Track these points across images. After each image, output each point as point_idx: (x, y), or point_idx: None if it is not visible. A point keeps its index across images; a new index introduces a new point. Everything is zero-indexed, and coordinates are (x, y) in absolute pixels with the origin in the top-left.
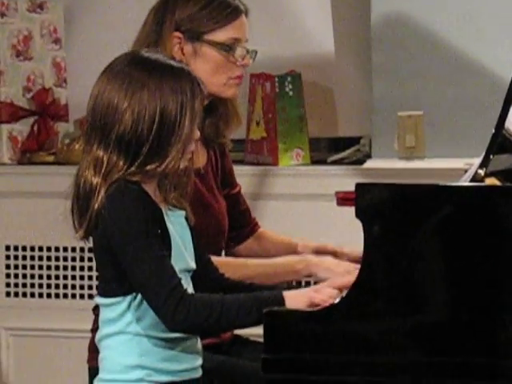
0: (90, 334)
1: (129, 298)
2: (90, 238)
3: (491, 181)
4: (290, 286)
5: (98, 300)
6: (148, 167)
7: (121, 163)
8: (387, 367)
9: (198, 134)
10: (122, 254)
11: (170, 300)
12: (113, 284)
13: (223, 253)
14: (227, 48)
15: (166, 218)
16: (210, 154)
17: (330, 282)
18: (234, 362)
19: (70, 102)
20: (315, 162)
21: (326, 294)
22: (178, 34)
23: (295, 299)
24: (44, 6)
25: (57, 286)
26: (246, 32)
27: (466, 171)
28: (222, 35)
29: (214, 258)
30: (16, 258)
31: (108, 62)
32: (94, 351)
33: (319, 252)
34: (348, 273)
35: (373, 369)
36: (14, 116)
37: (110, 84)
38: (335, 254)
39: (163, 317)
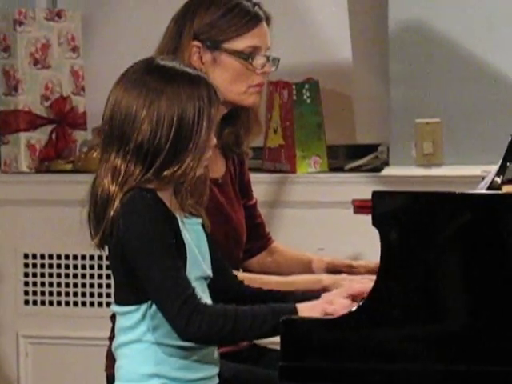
0: (107, 342)
1: (144, 306)
2: (106, 246)
3: (508, 188)
4: (305, 295)
5: (114, 308)
6: (164, 173)
7: (137, 171)
8: (404, 375)
9: (214, 141)
10: (136, 262)
11: (184, 310)
12: (128, 292)
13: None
14: (246, 56)
15: (181, 225)
16: (229, 164)
17: (342, 291)
18: (251, 370)
19: (88, 110)
20: (333, 169)
21: (338, 305)
22: (196, 42)
23: (308, 311)
24: (62, 14)
25: (75, 294)
26: (267, 40)
27: (483, 178)
28: (240, 43)
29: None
30: (34, 266)
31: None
32: (111, 359)
33: (335, 266)
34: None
35: (390, 377)
36: (32, 124)
37: (126, 93)
38: (351, 267)
39: (177, 327)
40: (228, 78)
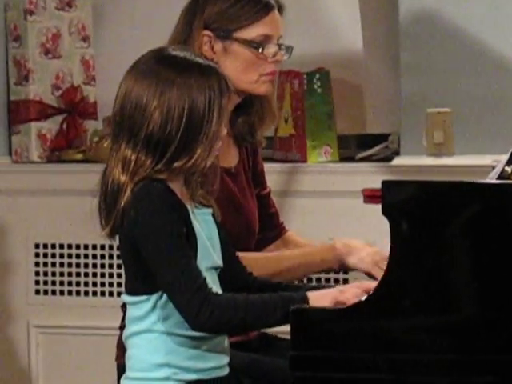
0: (118, 332)
1: (155, 296)
2: (116, 237)
3: None
4: (316, 286)
5: (125, 298)
6: (175, 164)
7: (148, 162)
8: (414, 365)
9: (225, 131)
10: (146, 252)
11: (195, 300)
12: (138, 282)
13: None
14: (256, 45)
15: (192, 216)
16: (242, 153)
17: (357, 285)
18: (262, 359)
19: (99, 100)
20: (343, 159)
21: (351, 293)
22: (207, 32)
23: (320, 299)
24: (72, 3)
25: (86, 284)
26: (279, 28)
27: (493, 168)
28: (251, 32)
29: (245, 254)
30: (45, 255)
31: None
32: (122, 348)
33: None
34: (377, 265)
35: (399, 367)
36: (43, 114)
37: (137, 83)
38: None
39: (187, 317)
40: (239, 67)
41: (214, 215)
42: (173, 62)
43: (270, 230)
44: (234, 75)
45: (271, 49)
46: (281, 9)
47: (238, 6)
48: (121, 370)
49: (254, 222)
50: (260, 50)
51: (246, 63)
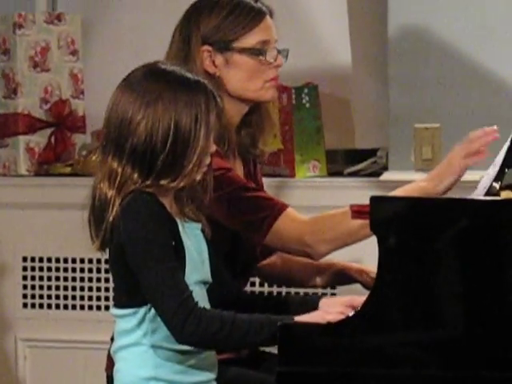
0: (106, 346)
1: (143, 309)
2: (107, 250)
3: (506, 194)
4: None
5: (113, 311)
6: (162, 181)
7: (135, 176)
8: (402, 381)
9: (213, 147)
10: (134, 264)
11: (180, 312)
12: (127, 295)
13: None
14: (258, 52)
15: (181, 229)
16: (246, 168)
17: (343, 301)
18: (250, 374)
19: (87, 114)
20: (332, 173)
21: (335, 314)
22: (206, 47)
23: (306, 322)
24: (62, 17)
25: (73, 298)
26: (274, 32)
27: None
28: (250, 40)
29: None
30: (33, 269)
31: (125, 74)
32: (112, 359)
33: (344, 269)
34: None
35: (388, 382)
36: (32, 127)
37: (124, 96)
38: (361, 273)
39: (172, 329)
40: (243, 77)
41: (203, 230)
42: (161, 77)
43: None
44: (240, 85)
45: (272, 52)
46: (271, 13)
47: (233, 17)
48: (111, 380)
49: None
50: (262, 56)
51: (250, 71)
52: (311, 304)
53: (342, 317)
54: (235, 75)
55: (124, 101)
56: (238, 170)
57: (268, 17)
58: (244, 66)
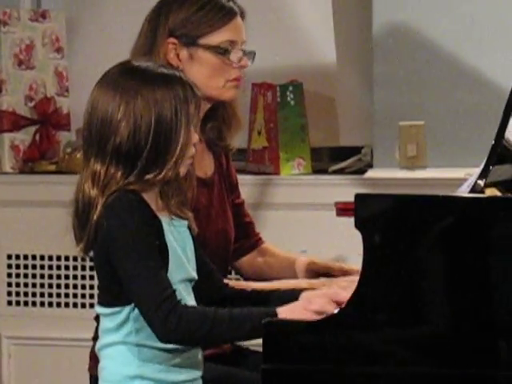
0: (91, 343)
1: (128, 308)
2: (91, 253)
3: (491, 191)
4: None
5: (98, 309)
6: (147, 176)
7: (119, 174)
8: (387, 378)
9: (196, 137)
10: (117, 263)
11: (161, 311)
12: (112, 294)
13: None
14: (222, 51)
15: (166, 227)
16: (217, 162)
17: (325, 294)
18: (235, 372)
19: (72, 111)
20: (316, 171)
21: (318, 304)
22: (172, 39)
23: (288, 313)
24: (46, 15)
25: (58, 295)
26: (243, 34)
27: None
28: (216, 38)
29: None
30: (18, 266)
31: None
32: (95, 359)
33: (327, 269)
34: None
35: (372, 380)
36: (16, 125)
37: (102, 96)
38: (344, 273)
39: (154, 327)
40: (205, 74)
41: (189, 228)
42: (136, 74)
43: (245, 238)
44: (201, 82)
45: (237, 54)
46: (243, 14)
47: (203, 13)
48: (93, 381)
49: (230, 230)
50: (226, 56)
51: (212, 69)
52: (295, 295)
53: (326, 308)
54: (197, 71)
55: (102, 101)
56: (208, 164)
57: (239, 17)
58: (207, 63)
